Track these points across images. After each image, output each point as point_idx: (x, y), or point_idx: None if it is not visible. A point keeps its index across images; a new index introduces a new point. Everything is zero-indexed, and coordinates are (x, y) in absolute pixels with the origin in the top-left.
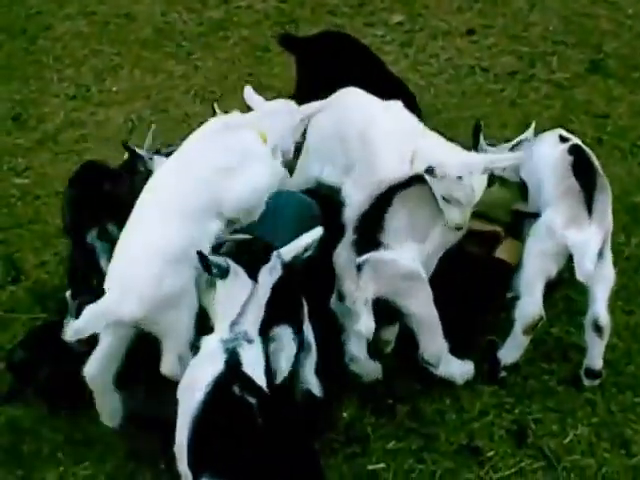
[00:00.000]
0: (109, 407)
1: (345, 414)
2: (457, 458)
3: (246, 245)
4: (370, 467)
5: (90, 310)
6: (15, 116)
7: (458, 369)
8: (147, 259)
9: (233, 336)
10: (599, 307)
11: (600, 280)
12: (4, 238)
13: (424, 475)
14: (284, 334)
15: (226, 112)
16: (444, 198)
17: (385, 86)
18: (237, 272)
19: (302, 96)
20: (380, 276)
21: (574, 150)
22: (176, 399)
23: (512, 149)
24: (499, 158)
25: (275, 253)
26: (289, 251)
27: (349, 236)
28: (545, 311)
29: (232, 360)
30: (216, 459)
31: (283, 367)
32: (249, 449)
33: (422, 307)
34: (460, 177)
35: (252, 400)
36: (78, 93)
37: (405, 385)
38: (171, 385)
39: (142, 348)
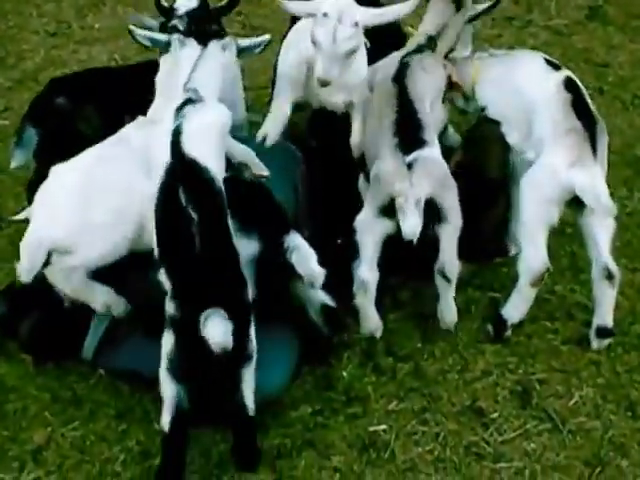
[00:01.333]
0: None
1: (345, 373)
2: (460, 419)
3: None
4: (372, 428)
5: (24, 244)
6: None
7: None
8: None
9: (184, 98)
10: (605, 254)
11: (601, 226)
12: None
13: (427, 437)
14: (297, 240)
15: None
16: (312, 42)
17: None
18: (183, 42)
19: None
20: (430, 174)
21: (569, 85)
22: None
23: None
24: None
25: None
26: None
27: (391, 141)
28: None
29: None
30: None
31: (316, 270)
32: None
33: (455, 211)
34: (326, 15)
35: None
36: (59, 30)
37: (406, 343)
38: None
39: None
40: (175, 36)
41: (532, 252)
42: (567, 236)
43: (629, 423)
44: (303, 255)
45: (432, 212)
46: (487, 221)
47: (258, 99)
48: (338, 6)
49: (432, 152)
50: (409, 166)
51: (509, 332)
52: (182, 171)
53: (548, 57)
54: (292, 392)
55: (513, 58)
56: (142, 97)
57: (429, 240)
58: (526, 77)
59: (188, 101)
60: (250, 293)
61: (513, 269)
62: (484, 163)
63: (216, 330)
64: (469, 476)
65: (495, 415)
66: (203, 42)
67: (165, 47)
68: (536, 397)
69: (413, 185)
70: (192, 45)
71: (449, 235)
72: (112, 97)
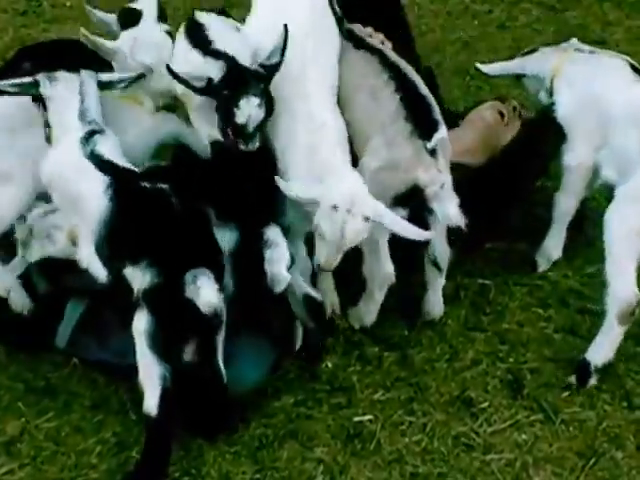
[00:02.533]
0: None
1: (329, 363)
2: (449, 410)
3: None
4: (356, 419)
5: None
6: None
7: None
8: None
9: (88, 130)
10: None
11: None
12: None
13: (414, 428)
14: (278, 236)
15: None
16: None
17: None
18: (56, 78)
19: None
20: (447, 155)
21: None
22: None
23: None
24: (392, 218)
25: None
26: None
27: (404, 128)
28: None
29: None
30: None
31: (283, 274)
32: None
33: None
34: (335, 207)
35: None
36: (28, 8)
37: (393, 332)
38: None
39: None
40: (40, 75)
41: (620, 283)
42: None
43: (624, 413)
44: (277, 255)
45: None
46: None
47: None
48: (349, 197)
49: (445, 131)
50: (432, 152)
51: (594, 379)
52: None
53: (635, 64)
54: (274, 382)
55: (597, 59)
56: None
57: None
58: (607, 85)
59: (93, 132)
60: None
61: (505, 255)
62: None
63: (207, 290)
64: (457, 468)
65: (485, 405)
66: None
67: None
68: (527, 387)
69: (441, 171)
70: (65, 77)
71: (447, 212)
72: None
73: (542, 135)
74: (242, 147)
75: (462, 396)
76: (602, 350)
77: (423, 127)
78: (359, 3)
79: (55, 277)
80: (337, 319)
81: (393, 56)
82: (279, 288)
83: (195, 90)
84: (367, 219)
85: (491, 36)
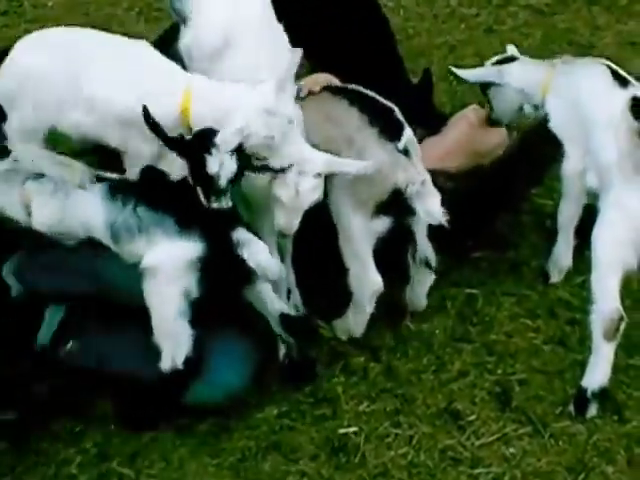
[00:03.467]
0: None
1: None
2: (436, 422)
3: None
4: (341, 431)
5: None
6: None
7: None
8: None
9: None
10: None
11: None
12: None
13: (400, 440)
14: (246, 234)
15: None
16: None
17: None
18: None
19: None
20: (418, 152)
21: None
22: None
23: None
24: (342, 163)
25: None
26: None
27: (372, 133)
28: (528, 264)
29: None
30: None
31: (269, 262)
32: None
33: None
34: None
35: None
36: (9, 8)
37: (378, 342)
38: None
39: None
40: None
41: (602, 300)
42: (547, 230)
43: (614, 427)
44: (254, 249)
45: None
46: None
47: None
48: (297, 159)
49: (410, 131)
50: (405, 152)
51: (594, 408)
52: None
53: (616, 69)
54: (257, 393)
55: (581, 68)
56: None
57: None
58: (587, 91)
59: None
60: None
61: (493, 264)
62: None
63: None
64: None
65: (472, 418)
66: None
67: None
68: (516, 399)
69: (417, 168)
70: None
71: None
72: None
73: (538, 145)
74: (214, 205)
75: (449, 408)
76: (597, 373)
77: (389, 129)
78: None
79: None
80: (321, 328)
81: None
82: (273, 275)
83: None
84: (319, 175)
85: (478, 40)
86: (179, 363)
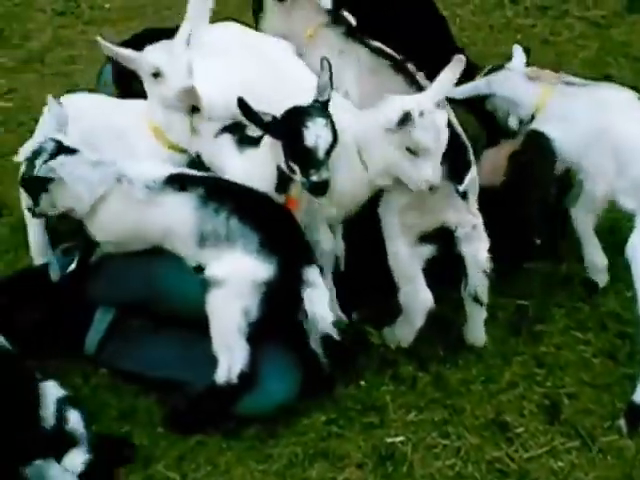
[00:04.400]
0: None
1: (362, 381)
2: (484, 433)
3: None
4: (389, 439)
5: None
6: None
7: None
8: None
9: None
10: None
11: None
12: None
13: (447, 451)
14: (316, 275)
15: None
16: (409, 150)
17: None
18: None
19: None
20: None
21: None
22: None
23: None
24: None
25: None
26: None
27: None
28: (580, 276)
29: None
30: None
31: (326, 315)
32: None
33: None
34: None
35: None
36: (67, 9)
37: (428, 351)
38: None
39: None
40: None
41: None
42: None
43: None
44: (316, 296)
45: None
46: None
47: None
48: (414, 101)
49: (475, 171)
50: (463, 195)
51: None
52: None
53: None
54: (305, 399)
55: (597, 91)
56: None
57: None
58: (617, 117)
59: None
60: None
61: (544, 276)
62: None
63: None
64: None
65: (520, 430)
66: None
67: None
68: (565, 412)
69: (472, 213)
70: None
71: (477, 255)
72: None
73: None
74: (314, 178)
75: (497, 420)
76: None
77: (454, 170)
78: None
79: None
80: (371, 335)
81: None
82: (322, 328)
83: (262, 126)
84: (438, 105)
85: (534, 51)
86: (234, 377)
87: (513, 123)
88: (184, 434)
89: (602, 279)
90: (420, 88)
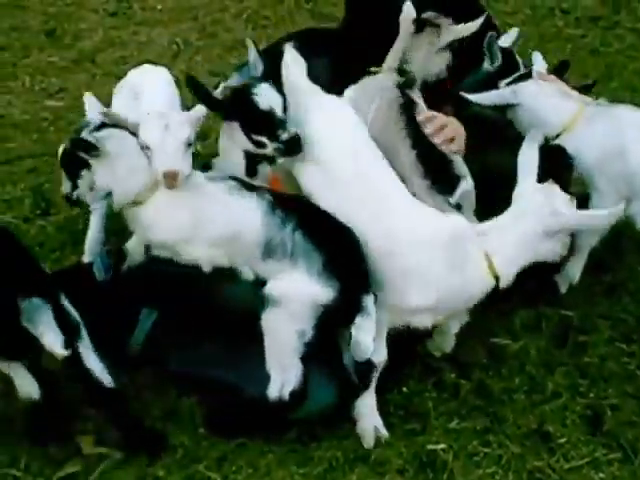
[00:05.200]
0: None
1: (405, 388)
2: (525, 443)
3: None
4: (430, 446)
5: None
6: (49, 31)
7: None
8: None
9: None
10: None
11: None
12: (33, 166)
13: (489, 459)
14: (371, 304)
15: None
16: None
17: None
18: None
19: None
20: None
21: None
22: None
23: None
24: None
25: None
26: None
27: (421, 184)
28: (625, 287)
29: None
30: None
31: (369, 347)
32: None
33: None
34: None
35: None
36: (119, 9)
37: (471, 359)
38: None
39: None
40: None
41: None
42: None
43: None
44: (367, 324)
45: None
46: None
47: None
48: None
49: (470, 184)
50: (457, 206)
51: None
52: None
53: None
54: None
55: (620, 113)
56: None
57: None
58: (633, 139)
59: None
60: None
61: (589, 286)
62: None
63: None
64: None
65: (562, 440)
66: None
67: None
68: (607, 423)
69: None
70: None
71: None
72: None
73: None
74: (284, 136)
75: (540, 429)
76: None
77: (442, 183)
78: None
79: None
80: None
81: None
82: (362, 356)
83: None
84: None
85: (583, 61)
86: (286, 395)
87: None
88: (226, 437)
89: (563, 287)
90: None
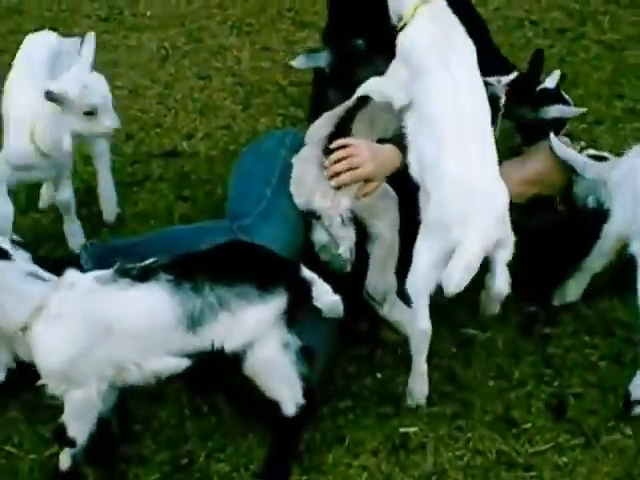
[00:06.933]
0: None
1: (379, 374)
2: (493, 427)
3: None
4: (402, 429)
5: None
6: None
7: (403, 316)
8: None
9: None
10: None
11: None
12: None
13: (458, 443)
14: (309, 273)
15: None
16: None
17: None
18: None
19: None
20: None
21: None
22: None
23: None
24: None
25: None
26: None
27: (319, 156)
28: (590, 285)
29: None
30: None
31: (335, 300)
32: None
33: (387, 230)
34: None
35: None
36: (110, 15)
37: (441, 348)
38: None
39: None
40: None
41: None
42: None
43: None
44: (320, 290)
45: None
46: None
47: (304, 95)
48: None
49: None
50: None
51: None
52: None
53: None
54: (324, 387)
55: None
56: None
57: None
58: None
59: None
60: None
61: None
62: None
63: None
64: None
65: (528, 426)
66: None
67: None
68: (570, 411)
69: (339, 200)
70: None
71: (378, 257)
72: None
73: None
74: None
75: (506, 415)
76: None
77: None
78: None
79: None
80: (388, 333)
81: None
82: (339, 313)
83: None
84: None
85: (551, 69)
86: (298, 407)
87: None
88: None
89: (557, 301)
90: None
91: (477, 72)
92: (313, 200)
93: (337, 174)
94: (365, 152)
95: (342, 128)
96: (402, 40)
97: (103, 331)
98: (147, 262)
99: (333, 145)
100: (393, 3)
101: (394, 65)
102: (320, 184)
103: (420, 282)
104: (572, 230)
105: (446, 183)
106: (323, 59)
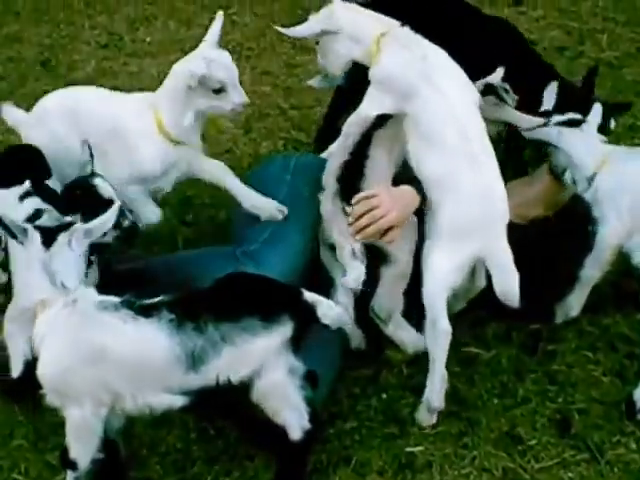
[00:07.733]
0: None
1: (384, 394)
2: (498, 445)
3: None
4: (408, 449)
5: None
6: (44, 61)
7: (408, 336)
8: None
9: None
10: None
11: None
12: None
13: (464, 461)
14: (311, 295)
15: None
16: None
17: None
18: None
19: None
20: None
21: None
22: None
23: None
24: None
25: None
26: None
27: (332, 186)
28: (591, 300)
29: None
30: None
31: (340, 313)
32: None
33: (404, 254)
34: None
35: None
36: (110, 42)
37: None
38: None
39: None
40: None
41: None
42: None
43: None
44: (325, 309)
45: None
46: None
47: (305, 118)
48: None
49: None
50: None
51: None
52: None
53: None
54: (330, 408)
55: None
56: None
57: None
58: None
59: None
60: None
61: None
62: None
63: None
64: None
65: (533, 442)
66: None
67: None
68: (575, 427)
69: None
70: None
71: (388, 277)
72: None
73: None
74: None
75: (511, 432)
76: None
77: (346, 190)
78: None
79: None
80: (391, 351)
81: None
82: (347, 324)
83: None
84: None
85: None
86: (305, 430)
87: (569, 181)
88: None
89: (560, 318)
90: None
91: (464, 78)
92: (332, 235)
93: (362, 228)
94: (386, 201)
95: (358, 155)
96: (379, 72)
97: (95, 354)
98: (154, 300)
99: (354, 200)
100: (344, 51)
101: (374, 97)
102: (336, 220)
103: (439, 286)
104: (561, 238)
105: (463, 192)
106: (339, 78)
